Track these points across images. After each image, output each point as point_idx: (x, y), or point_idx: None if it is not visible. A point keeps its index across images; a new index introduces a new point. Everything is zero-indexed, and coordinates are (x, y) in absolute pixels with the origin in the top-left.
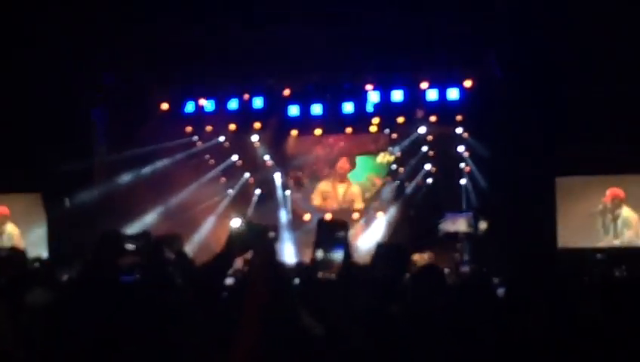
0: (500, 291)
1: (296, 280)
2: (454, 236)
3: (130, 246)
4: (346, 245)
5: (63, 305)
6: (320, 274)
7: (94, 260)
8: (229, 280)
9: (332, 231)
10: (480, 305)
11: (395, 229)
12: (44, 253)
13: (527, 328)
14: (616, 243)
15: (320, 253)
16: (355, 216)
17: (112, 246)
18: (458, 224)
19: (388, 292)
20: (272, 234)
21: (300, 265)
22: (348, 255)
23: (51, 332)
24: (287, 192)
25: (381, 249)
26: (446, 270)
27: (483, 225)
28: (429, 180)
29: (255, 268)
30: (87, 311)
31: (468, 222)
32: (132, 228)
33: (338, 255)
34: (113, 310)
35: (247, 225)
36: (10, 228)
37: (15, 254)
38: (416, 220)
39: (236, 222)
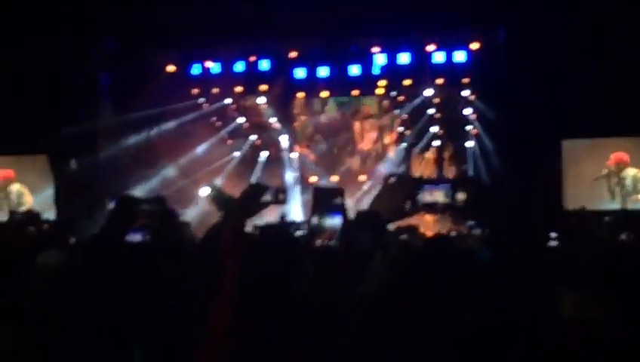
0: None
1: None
2: (432, 206)
3: (143, 209)
4: (343, 212)
5: (75, 268)
6: (318, 242)
7: (109, 224)
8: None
9: (328, 198)
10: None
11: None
12: (51, 215)
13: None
14: (623, 206)
15: (316, 220)
16: (362, 178)
17: (127, 211)
18: (435, 195)
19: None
20: (281, 196)
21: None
22: (347, 221)
23: (60, 294)
24: (294, 154)
25: (359, 216)
26: (453, 233)
27: (461, 196)
28: (436, 142)
29: (224, 236)
30: (99, 274)
31: (445, 193)
32: (138, 191)
33: (336, 221)
34: (124, 274)
35: (215, 194)
36: (18, 187)
37: (31, 216)
38: (393, 190)
39: (205, 191)
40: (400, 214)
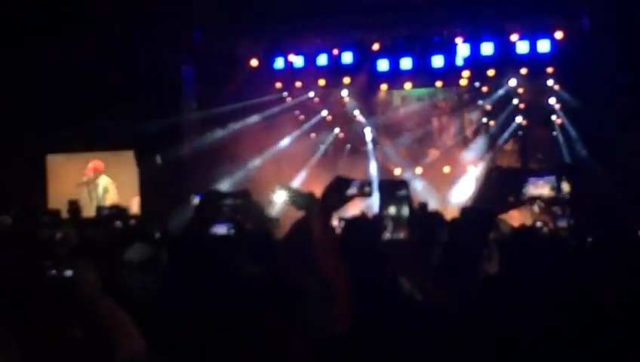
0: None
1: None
2: (538, 198)
3: (229, 204)
4: (409, 203)
5: (161, 262)
6: (387, 235)
7: (195, 218)
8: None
9: (393, 190)
10: (569, 261)
11: (479, 190)
12: (136, 209)
13: (613, 284)
14: None
15: (392, 210)
16: (446, 169)
17: (213, 205)
18: (540, 187)
19: (473, 257)
20: (367, 189)
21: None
22: (412, 213)
23: (149, 289)
24: (378, 147)
25: (466, 214)
26: (538, 223)
27: (567, 188)
28: (520, 133)
29: (317, 231)
30: (185, 269)
31: (551, 185)
32: (223, 185)
33: (406, 212)
34: (206, 270)
35: (292, 195)
36: (105, 180)
37: (118, 211)
38: (501, 183)
39: (280, 196)
40: (505, 207)
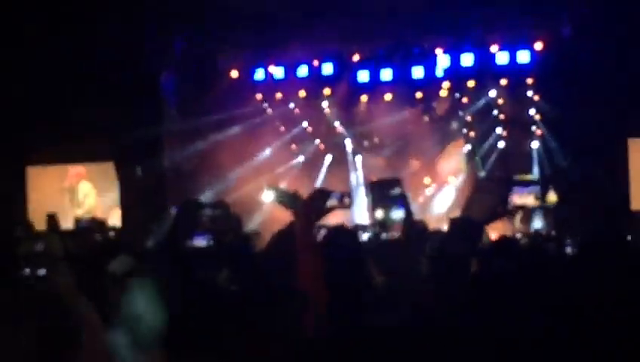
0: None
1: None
2: (523, 208)
3: (207, 215)
4: (405, 202)
5: (144, 273)
6: (384, 235)
7: (173, 229)
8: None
9: (386, 190)
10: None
11: (466, 200)
12: (117, 222)
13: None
14: None
15: (379, 214)
16: (427, 180)
17: (191, 216)
18: (525, 197)
19: (463, 266)
20: (347, 200)
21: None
22: (409, 212)
23: (133, 300)
24: (358, 157)
25: (455, 224)
26: (518, 235)
27: (552, 198)
28: (500, 144)
29: (298, 231)
30: (168, 279)
31: (535, 195)
32: (203, 196)
33: (398, 213)
34: (191, 279)
35: (279, 194)
36: (86, 186)
37: (96, 224)
38: (486, 193)
39: (268, 196)
40: (493, 217)
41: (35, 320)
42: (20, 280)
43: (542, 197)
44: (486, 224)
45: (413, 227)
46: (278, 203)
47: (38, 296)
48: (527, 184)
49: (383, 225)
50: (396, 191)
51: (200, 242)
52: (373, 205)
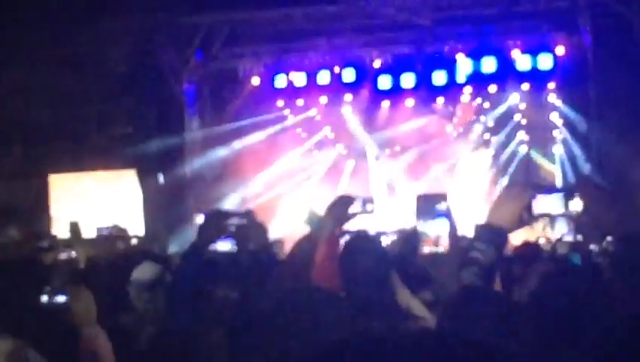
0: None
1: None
2: (547, 216)
3: (232, 224)
4: (450, 217)
5: (169, 281)
6: (426, 249)
7: (199, 238)
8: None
9: (431, 204)
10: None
11: (491, 206)
12: (140, 229)
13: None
14: None
15: (422, 226)
16: (449, 186)
17: (217, 225)
18: (550, 204)
19: (488, 271)
20: (369, 206)
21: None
22: (454, 227)
23: (158, 306)
24: (380, 163)
25: (481, 231)
26: (542, 240)
27: (576, 205)
28: (522, 149)
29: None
30: (191, 287)
31: (560, 201)
32: (225, 204)
33: (442, 227)
34: (213, 287)
35: (309, 216)
36: None
37: (118, 231)
38: (510, 200)
39: (303, 217)
40: (519, 224)
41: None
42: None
43: (566, 204)
44: (511, 231)
45: (458, 241)
46: (307, 222)
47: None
48: (550, 191)
49: (425, 237)
50: (442, 206)
51: (223, 246)
52: (418, 217)
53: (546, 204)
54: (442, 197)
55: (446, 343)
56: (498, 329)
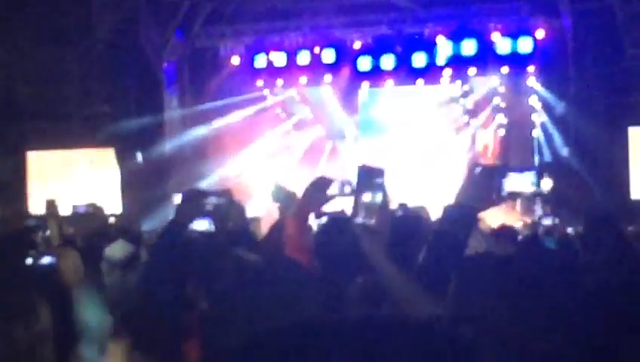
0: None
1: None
2: (518, 195)
3: (210, 203)
4: (384, 191)
5: (142, 260)
6: (359, 220)
7: (177, 217)
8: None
9: (372, 177)
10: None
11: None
12: (118, 207)
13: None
14: None
15: (360, 199)
16: (427, 166)
17: (195, 204)
18: (520, 182)
19: (455, 256)
20: (347, 188)
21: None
22: (385, 201)
23: (130, 285)
24: (359, 143)
25: (448, 212)
26: (519, 224)
27: (547, 184)
28: (501, 132)
29: (290, 231)
30: (165, 267)
31: (530, 180)
32: (204, 183)
33: (377, 200)
34: (189, 268)
35: (275, 189)
36: None
37: (94, 210)
38: (479, 180)
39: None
40: (487, 204)
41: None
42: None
43: (537, 183)
44: (481, 211)
45: (388, 216)
46: (272, 197)
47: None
48: (522, 169)
49: (362, 210)
50: (379, 180)
51: (201, 225)
52: (358, 189)
53: (516, 182)
54: (380, 172)
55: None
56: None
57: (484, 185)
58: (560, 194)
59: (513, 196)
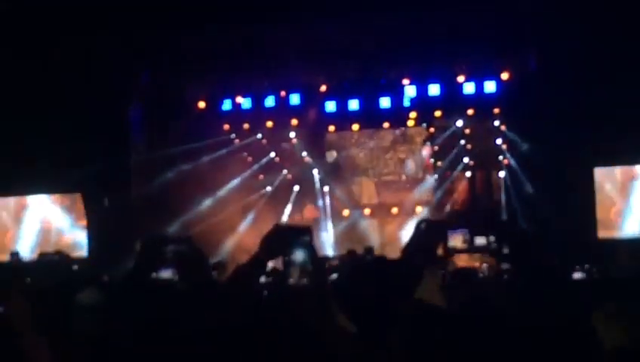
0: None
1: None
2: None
3: (170, 251)
4: (310, 249)
5: (110, 307)
6: (291, 281)
7: (136, 265)
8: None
9: (293, 237)
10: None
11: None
12: (83, 253)
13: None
14: None
15: (288, 260)
16: (394, 210)
17: (154, 252)
18: (455, 240)
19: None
20: (307, 238)
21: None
22: (315, 260)
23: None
24: (326, 188)
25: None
26: (484, 265)
27: (480, 241)
28: (468, 173)
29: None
30: (132, 312)
31: (463, 238)
32: (171, 228)
33: (304, 259)
34: (156, 312)
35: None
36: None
37: (61, 257)
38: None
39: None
40: (433, 259)
41: None
42: None
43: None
44: (426, 266)
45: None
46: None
47: None
48: (455, 227)
49: (287, 270)
50: (306, 238)
51: (165, 274)
52: (284, 250)
53: (452, 239)
54: (306, 230)
55: None
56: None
57: (430, 240)
58: (494, 250)
59: (460, 251)
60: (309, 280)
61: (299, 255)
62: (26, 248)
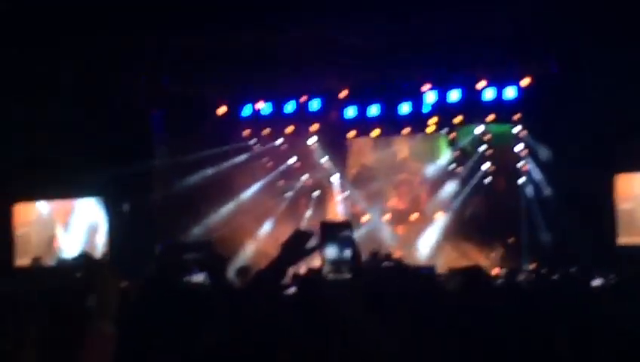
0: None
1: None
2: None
3: (190, 256)
4: (352, 244)
5: (129, 312)
6: (330, 276)
7: (158, 271)
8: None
9: (335, 232)
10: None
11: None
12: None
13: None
14: None
15: (326, 256)
16: (414, 216)
17: (173, 258)
18: (331, 251)
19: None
20: (347, 232)
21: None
22: (356, 254)
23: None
24: (346, 193)
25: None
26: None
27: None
28: (488, 180)
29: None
30: (152, 318)
31: (335, 251)
32: (191, 233)
33: (347, 254)
34: (178, 319)
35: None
36: None
37: (83, 261)
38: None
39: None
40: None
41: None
42: None
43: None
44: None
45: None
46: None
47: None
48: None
49: (338, 262)
50: (346, 233)
51: (197, 278)
52: (321, 246)
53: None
54: (347, 225)
55: None
56: None
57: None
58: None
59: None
60: (349, 274)
61: (331, 251)
62: (74, 252)
